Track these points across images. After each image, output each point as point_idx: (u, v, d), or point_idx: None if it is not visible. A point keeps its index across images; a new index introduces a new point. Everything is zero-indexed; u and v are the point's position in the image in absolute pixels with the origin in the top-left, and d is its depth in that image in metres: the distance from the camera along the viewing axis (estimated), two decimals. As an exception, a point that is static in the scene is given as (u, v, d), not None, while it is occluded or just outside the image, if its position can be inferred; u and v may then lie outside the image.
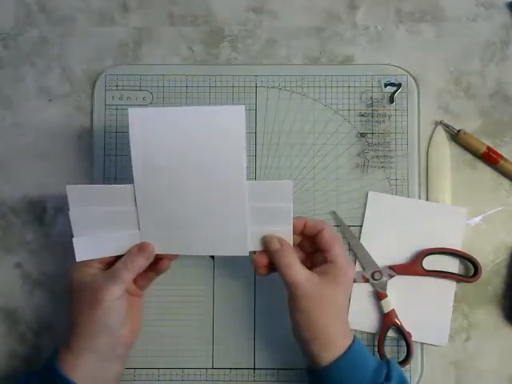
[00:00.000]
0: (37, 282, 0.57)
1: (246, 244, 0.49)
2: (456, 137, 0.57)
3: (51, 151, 0.58)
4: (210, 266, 0.57)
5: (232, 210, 0.48)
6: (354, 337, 0.48)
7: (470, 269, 0.56)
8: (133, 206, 0.49)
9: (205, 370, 0.56)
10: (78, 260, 0.48)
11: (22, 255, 0.57)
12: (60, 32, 0.59)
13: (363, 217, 0.57)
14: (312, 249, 0.51)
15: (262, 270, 0.49)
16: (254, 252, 0.50)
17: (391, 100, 0.58)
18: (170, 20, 0.59)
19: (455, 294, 0.56)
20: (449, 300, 0.56)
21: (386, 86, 0.58)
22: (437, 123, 0.58)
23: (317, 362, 0.46)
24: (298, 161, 0.57)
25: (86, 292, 0.47)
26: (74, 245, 0.48)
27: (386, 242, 0.56)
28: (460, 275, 0.56)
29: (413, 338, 0.54)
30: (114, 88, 0.58)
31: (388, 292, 0.55)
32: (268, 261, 0.49)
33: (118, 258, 0.49)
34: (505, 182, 0.57)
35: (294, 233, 0.49)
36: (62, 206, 0.57)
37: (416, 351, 0.55)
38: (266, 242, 0.49)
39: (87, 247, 0.49)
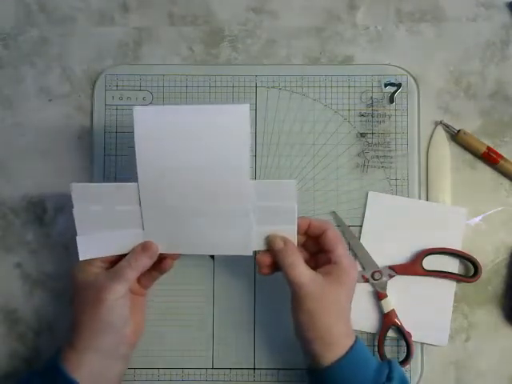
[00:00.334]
0: (37, 281, 0.57)
1: (250, 243, 0.49)
2: (456, 137, 0.57)
3: (51, 151, 0.58)
4: (210, 266, 0.57)
5: (236, 209, 0.48)
6: (356, 337, 0.48)
7: (470, 269, 0.56)
8: (137, 205, 0.49)
9: (205, 370, 0.56)
10: (81, 259, 0.48)
11: (22, 255, 0.57)
12: (60, 32, 0.59)
13: (363, 217, 0.57)
14: (316, 249, 0.51)
15: (265, 269, 0.49)
16: (258, 251, 0.50)
17: (391, 100, 0.58)
18: (170, 20, 0.59)
19: (455, 294, 0.56)
20: (449, 300, 0.56)
21: (386, 86, 0.58)
22: (437, 123, 0.58)
23: (318, 361, 0.46)
24: (298, 161, 0.57)
25: (89, 291, 0.47)
26: (78, 243, 0.48)
27: (386, 241, 0.56)
28: (460, 275, 0.56)
29: (413, 338, 0.54)
30: (114, 88, 0.58)
31: (388, 292, 0.55)
32: (271, 260, 0.49)
33: (121, 257, 0.49)
34: (505, 182, 0.57)
35: (299, 233, 0.49)
36: (61, 206, 0.57)
37: (416, 351, 0.55)
38: (269, 241, 0.49)
39: (91, 246, 0.49)
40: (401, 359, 0.55)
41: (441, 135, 0.57)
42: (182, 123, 0.47)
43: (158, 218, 0.49)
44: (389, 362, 0.47)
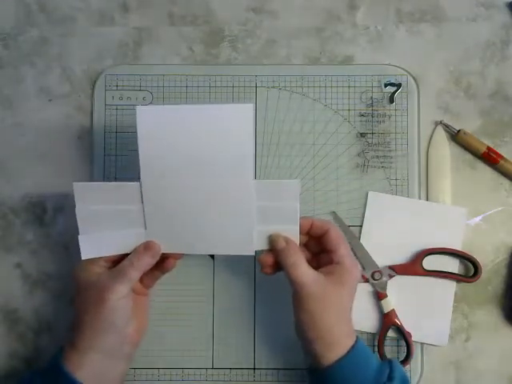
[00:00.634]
0: (37, 281, 0.57)
1: (252, 243, 0.49)
2: (456, 137, 0.57)
3: (51, 151, 0.58)
4: (210, 266, 0.57)
5: (239, 208, 0.48)
6: (357, 337, 0.48)
7: (470, 269, 0.56)
8: (139, 204, 0.48)
9: (205, 370, 0.56)
10: (83, 258, 0.48)
11: (22, 255, 0.57)
12: (60, 32, 0.59)
13: (363, 217, 0.57)
14: (318, 249, 0.50)
15: (267, 269, 0.49)
16: (261, 251, 0.50)
17: (391, 100, 0.58)
18: (169, 20, 0.59)
19: (455, 294, 0.56)
20: (449, 300, 0.56)
21: (386, 86, 0.58)
22: (437, 123, 0.58)
23: (319, 361, 0.46)
24: (298, 161, 0.57)
25: (91, 291, 0.47)
26: (80, 242, 0.48)
27: (386, 242, 0.56)
28: (460, 275, 0.56)
29: (413, 338, 0.54)
30: (114, 88, 0.58)
31: (388, 292, 0.55)
32: (274, 260, 0.49)
33: (123, 256, 0.49)
34: (505, 182, 0.57)
35: (301, 232, 0.49)
36: (61, 206, 0.57)
37: (416, 351, 0.55)
38: (272, 240, 0.49)
39: (93, 245, 0.48)
40: (401, 359, 0.55)
41: (441, 135, 0.57)
42: (184, 123, 0.47)
43: (160, 218, 0.49)
44: (390, 362, 0.47)
